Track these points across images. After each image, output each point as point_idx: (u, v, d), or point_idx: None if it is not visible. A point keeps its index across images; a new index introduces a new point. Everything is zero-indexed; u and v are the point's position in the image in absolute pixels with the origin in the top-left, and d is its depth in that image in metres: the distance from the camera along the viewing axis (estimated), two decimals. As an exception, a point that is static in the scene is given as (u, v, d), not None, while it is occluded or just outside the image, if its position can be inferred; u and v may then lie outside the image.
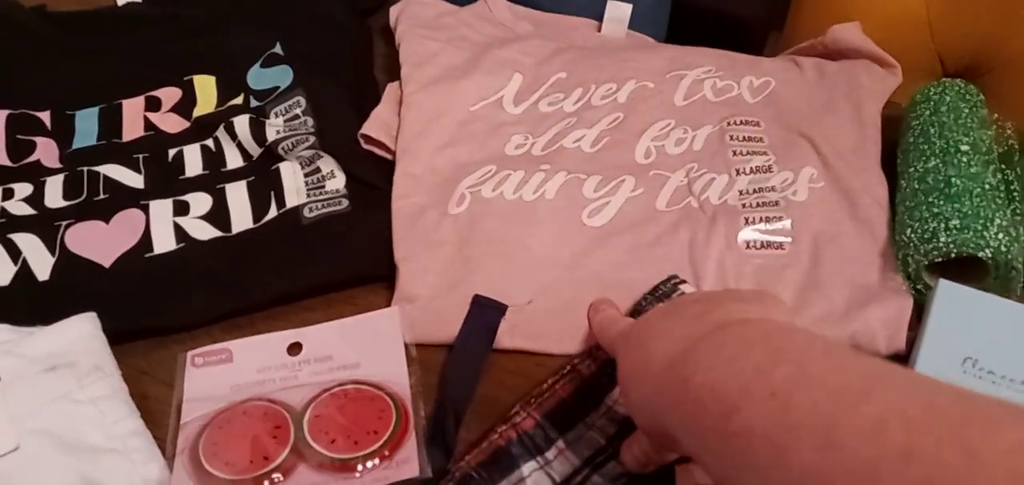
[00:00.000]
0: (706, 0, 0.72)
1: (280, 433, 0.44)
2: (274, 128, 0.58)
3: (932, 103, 0.55)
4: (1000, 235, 0.47)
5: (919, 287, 0.50)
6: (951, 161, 0.51)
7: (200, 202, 0.55)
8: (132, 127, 0.60)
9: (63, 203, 0.55)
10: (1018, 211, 0.51)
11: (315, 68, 0.62)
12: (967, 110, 0.54)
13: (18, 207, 0.55)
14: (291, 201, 0.55)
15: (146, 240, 0.53)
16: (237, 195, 0.56)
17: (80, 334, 0.46)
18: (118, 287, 0.51)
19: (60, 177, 0.57)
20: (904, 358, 0.48)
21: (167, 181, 0.57)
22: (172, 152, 0.59)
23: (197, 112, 0.61)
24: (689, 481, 0.41)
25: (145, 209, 0.55)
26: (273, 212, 0.55)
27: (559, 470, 0.43)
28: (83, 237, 0.53)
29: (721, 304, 0.36)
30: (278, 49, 0.63)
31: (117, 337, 0.47)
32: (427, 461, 0.43)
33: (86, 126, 0.60)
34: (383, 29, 0.68)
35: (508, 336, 0.49)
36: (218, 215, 0.55)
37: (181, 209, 0.55)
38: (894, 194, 0.55)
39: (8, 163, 0.57)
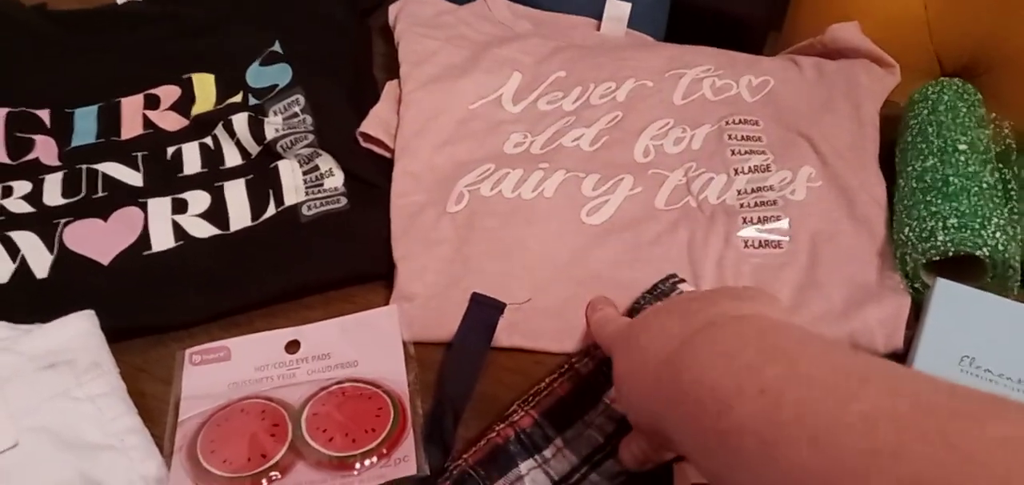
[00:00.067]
0: (705, -1, 0.72)
1: (278, 431, 0.44)
2: (273, 126, 0.58)
3: (930, 102, 0.55)
4: (998, 234, 0.47)
5: (917, 286, 0.50)
6: (949, 160, 0.51)
7: (199, 200, 0.55)
8: (131, 125, 0.60)
9: (62, 201, 0.55)
10: (1015, 210, 0.51)
11: (314, 67, 0.62)
12: (965, 109, 0.54)
13: (17, 205, 0.55)
14: (290, 199, 0.55)
15: (144, 238, 0.53)
16: (236, 193, 0.56)
17: (78, 331, 0.46)
18: (116, 285, 0.51)
19: (59, 175, 0.57)
20: (902, 357, 0.48)
21: (166, 179, 0.57)
22: (171, 150, 0.59)
23: (196, 110, 0.61)
24: (687, 479, 0.41)
25: (144, 207, 0.55)
26: (272, 210, 0.55)
27: (557, 468, 0.43)
28: (82, 235, 0.53)
29: (715, 301, 0.36)
30: (277, 47, 0.64)
31: (115, 335, 0.47)
32: (425, 459, 0.43)
33: (85, 124, 0.60)
34: (382, 28, 0.68)
35: (506, 334, 0.49)
36: (217, 213, 0.55)
37: (180, 207, 0.55)
38: (892, 193, 0.55)
39: (7, 161, 0.57)
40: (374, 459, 0.43)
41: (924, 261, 0.49)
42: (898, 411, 0.25)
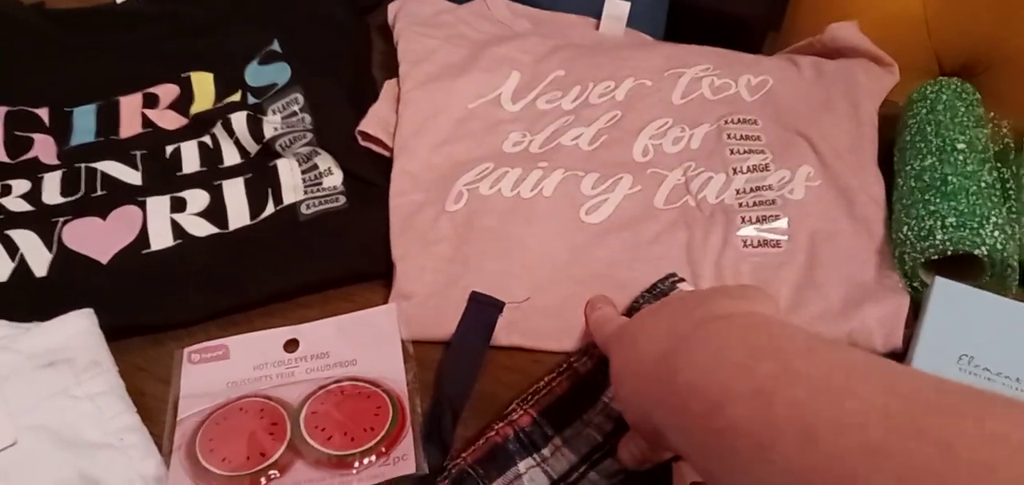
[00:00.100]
0: (704, -1, 0.72)
1: (277, 430, 0.44)
2: (272, 125, 0.58)
3: (929, 101, 0.55)
4: (996, 233, 0.47)
5: (915, 285, 0.50)
6: (947, 159, 0.51)
7: (197, 199, 0.55)
8: (130, 124, 0.60)
9: (61, 200, 0.55)
10: (1014, 209, 0.51)
11: (313, 66, 0.62)
12: (963, 108, 0.54)
13: (16, 204, 0.55)
14: (288, 198, 0.55)
15: (143, 237, 0.53)
16: (234, 192, 0.56)
17: (77, 330, 0.46)
18: (115, 283, 0.51)
19: (58, 174, 0.57)
20: (901, 356, 0.48)
21: (164, 178, 0.57)
22: (169, 149, 0.59)
23: (195, 109, 0.61)
24: (686, 479, 0.41)
25: (142, 206, 0.55)
26: (270, 209, 0.55)
27: (556, 467, 0.43)
28: (80, 234, 0.53)
29: (708, 300, 0.36)
30: (276, 46, 0.64)
31: (114, 333, 0.47)
32: (424, 458, 0.43)
33: (84, 123, 0.60)
34: (381, 26, 0.68)
35: (505, 333, 0.49)
36: (215, 212, 0.55)
37: (178, 206, 0.55)
38: (891, 192, 0.55)
39: (6, 159, 0.57)
40: (373, 458, 0.43)
41: (923, 260, 0.49)
42: (889, 409, 0.25)
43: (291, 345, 0.49)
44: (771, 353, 0.30)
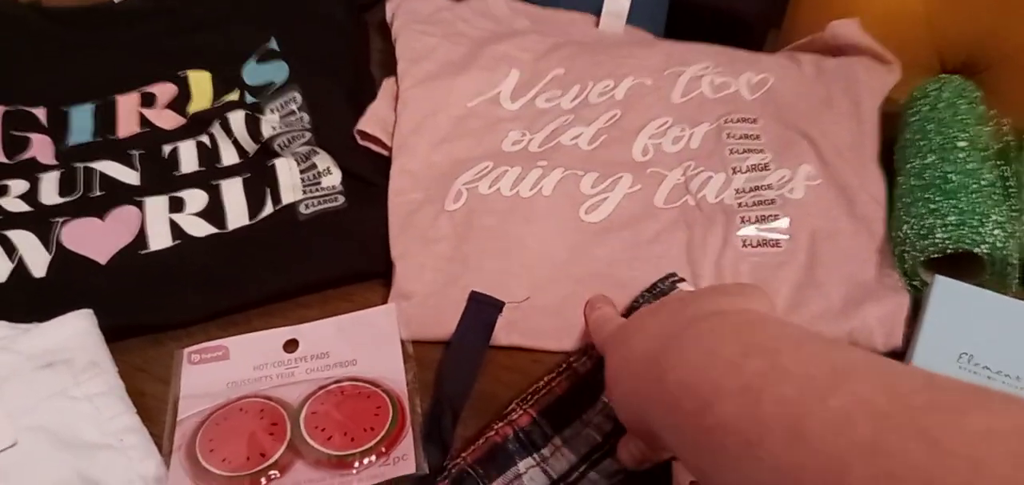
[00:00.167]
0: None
1: (276, 430, 0.44)
2: (270, 124, 0.58)
3: (930, 99, 0.55)
4: (996, 231, 0.47)
5: (916, 283, 0.50)
6: (948, 157, 0.51)
7: (195, 199, 0.55)
8: (127, 123, 0.60)
9: (58, 200, 0.55)
10: (1015, 207, 0.51)
11: (311, 64, 0.62)
12: (965, 106, 0.54)
13: (13, 204, 0.54)
14: (287, 198, 0.55)
15: (142, 237, 0.53)
16: (233, 192, 0.55)
17: (76, 331, 0.46)
18: (114, 284, 0.50)
19: (55, 174, 0.56)
20: (901, 354, 0.48)
21: (162, 177, 0.57)
22: (167, 148, 0.58)
23: (192, 108, 0.61)
24: (685, 478, 0.41)
25: (140, 206, 0.55)
26: (269, 209, 0.55)
27: (556, 467, 0.43)
28: (79, 234, 0.53)
29: (700, 298, 0.36)
30: (274, 45, 0.63)
31: (113, 334, 0.47)
32: (423, 458, 0.43)
33: (81, 122, 0.60)
34: (379, 24, 0.68)
35: (505, 333, 0.49)
36: (214, 212, 0.55)
37: (177, 206, 0.55)
38: (892, 190, 0.55)
39: (3, 160, 0.57)
40: (373, 458, 0.43)
41: (923, 259, 0.49)
42: (876, 405, 0.25)
43: (291, 345, 0.49)
44: (760, 350, 0.30)
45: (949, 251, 0.48)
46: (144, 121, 0.60)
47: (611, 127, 0.59)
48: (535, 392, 0.45)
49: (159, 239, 0.53)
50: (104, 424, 0.43)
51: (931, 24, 0.70)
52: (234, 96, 0.61)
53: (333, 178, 0.56)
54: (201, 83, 0.62)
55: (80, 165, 0.57)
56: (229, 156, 0.58)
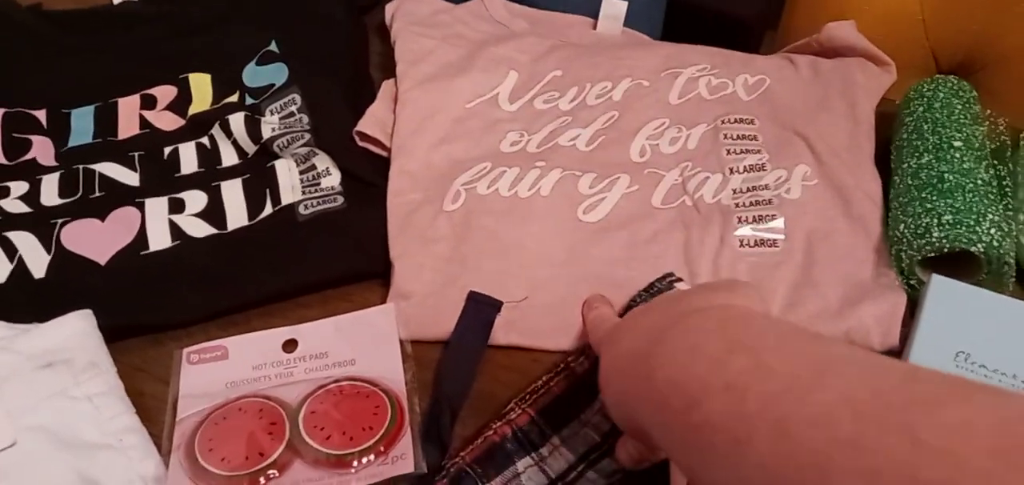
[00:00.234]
0: (702, -2, 0.72)
1: (276, 429, 0.44)
2: (269, 126, 0.58)
3: (925, 99, 0.55)
4: (992, 230, 0.47)
5: (912, 282, 0.50)
6: (944, 157, 0.51)
7: (195, 200, 0.55)
8: (128, 125, 0.60)
9: (59, 201, 0.55)
10: (1010, 206, 0.51)
11: (311, 66, 0.62)
12: (960, 106, 0.54)
13: (14, 205, 0.55)
14: (286, 198, 0.55)
15: (142, 237, 0.53)
16: (232, 192, 0.56)
17: (76, 331, 0.46)
18: (114, 284, 0.51)
19: (56, 175, 0.57)
20: (898, 353, 0.48)
21: (163, 179, 0.57)
22: (167, 150, 0.59)
23: (193, 110, 0.61)
24: (683, 478, 0.41)
25: (141, 207, 0.55)
26: (268, 209, 0.55)
27: (554, 466, 0.43)
28: (79, 235, 0.53)
29: (687, 296, 0.36)
30: (273, 47, 0.64)
31: (113, 334, 0.47)
32: (422, 457, 0.43)
33: (82, 124, 0.60)
34: (378, 27, 0.68)
35: (503, 332, 0.50)
36: (213, 212, 0.55)
37: (177, 207, 0.55)
38: (888, 190, 0.55)
39: (4, 161, 0.57)
40: (371, 457, 0.43)
41: (919, 258, 0.49)
42: (857, 400, 0.25)
43: (290, 345, 0.49)
44: (743, 347, 0.30)
45: (945, 250, 0.48)
46: (144, 123, 0.60)
47: (609, 128, 0.59)
48: (533, 392, 0.46)
49: (159, 240, 0.53)
50: (104, 424, 0.43)
51: (926, 25, 0.70)
52: (234, 98, 0.61)
53: (332, 179, 0.56)
54: (201, 85, 0.62)
55: (80, 167, 0.57)
56: (229, 157, 0.58)
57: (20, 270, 0.51)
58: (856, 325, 0.49)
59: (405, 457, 0.43)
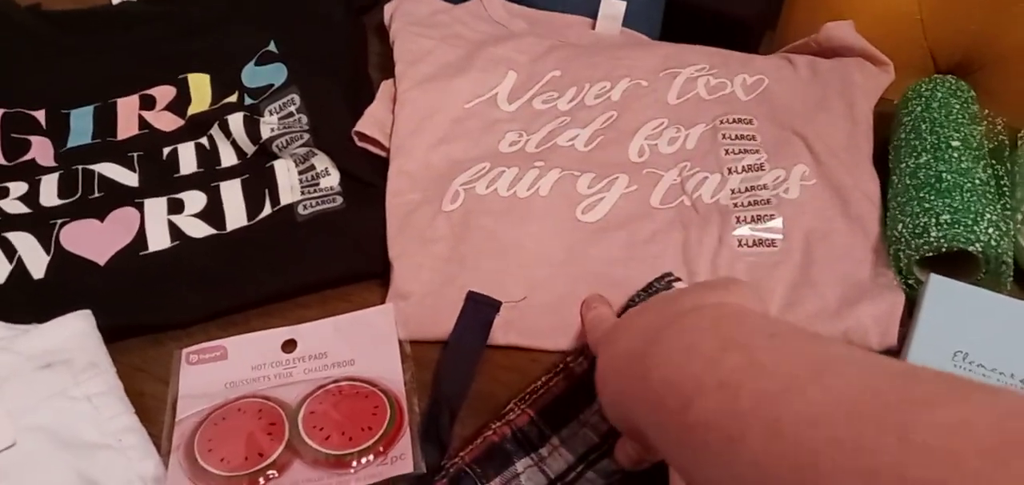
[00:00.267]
0: (700, -2, 0.72)
1: (275, 430, 0.44)
2: (268, 126, 0.58)
3: (923, 99, 0.56)
4: (990, 229, 0.47)
5: (911, 282, 0.51)
6: (942, 157, 0.51)
7: (195, 200, 0.55)
8: (127, 125, 0.60)
9: (58, 202, 0.55)
10: (1008, 206, 0.51)
11: (309, 66, 0.62)
12: (958, 106, 0.55)
13: (13, 206, 0.55)
14: (285, 199, 0.55)
15: (141, 238, 0.53)
16: (232, 193, 0.56)
17: (75, 331, 0.46)
18: (113, 285, 0.51)
19: (55, 176, 0.57)
20: (896, 353, 0.48)
21: (162, 179, 0.57)
22: (167, 150, 0.59)
23: (191, 110, 0.61)
24: (682, 478, 0.41)
25: (140, 207, 0.55)
26: (267, 210, 0.55)
27: (553, 467, 0.43)
28: (78, 235, 0.53)
29: (683, 295, 0.36)
30: (272, 47, 0.64)
31: (112, 334, 0.48)
32: (421, 457, 0.43)
33: (81, 125, 0.60)
34: (377, 27, 0.68)
35: (502, 332, 0.50)
36: (213, 213, 0.55)
37: (176, 207, 0.55)
38: (886, 190, 0.55)
39: (3, 162, 0.57)
40: (371, 457, 0.43)
41: (917, 257, 0.49)
42: (851, 400, 0.25)
43: (289, 345, 0.49)
44: (737, 345, 0.30)
45: (943, 250, 0.48)
46: (143, 123, 0.60)
47: (607, 128, 0.59)
48: (533, 392, 0.46)
49: (158, 240, 0.53)
50: (103, 424, 0.43)
51: (924, 25, 0.70)
52: (233, 98, 0.61)
53: (331, 179, 0.56)
54: (200, 86, 0.62)
55: (79, 167, 0.57)
56: (228, 158, 0.58)
57: (19, 271, 0.51)
58: (854, 325, 0.49)
59: (404, 457, 0.43)
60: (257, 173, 0.57)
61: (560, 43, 0.65)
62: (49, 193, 0.56)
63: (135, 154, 0.58)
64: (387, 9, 0.66)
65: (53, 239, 0.52)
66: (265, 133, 0.57)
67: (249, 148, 0.58)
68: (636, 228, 0.54)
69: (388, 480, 0.43)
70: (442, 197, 0.55)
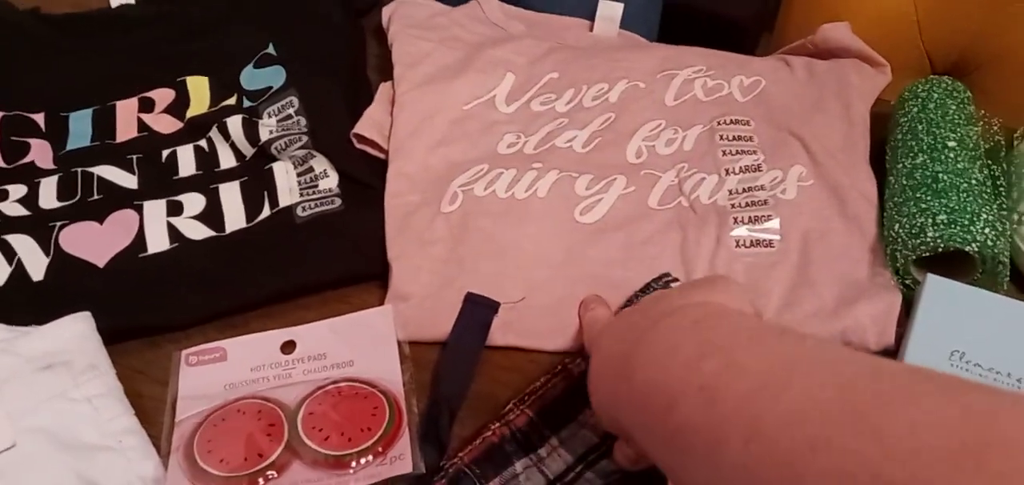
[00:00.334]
0: (698, 0, 0.73)
1: (274, 431, 0.44)
2: (267, 128, 0.58)
3: (920, 100, 0.56)
4: (987, 230, 0.48)
5: (908, 282, 0.51)
6: (938, 157, 0.51)
7: (194, 202, 0.55)
8: (126, 128, 0.60)
9: (57, 204, 0.55)
10: (1004, 206, 0.52)
11: (308, 68, 0.62)
12: (954, 107, 0.55)
13: (12, 208, 0.55)
14: (284, 201, 0.55)
15: (140, 240, 0.53)
16: (230, 195, 0.56)
17: (75, 333, 0.46)
18: (112, 287, 0.51)
19: (54, 178, 0.57)
20: (893, 353, 0.49)
21: (161, 181, 0.57)
22: (165, 153, 0.59)
23: (190, 113, 0.61)
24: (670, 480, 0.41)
25: (139, 209, 0.55)
26: (266, 211, 0.55)
27: (553, 467, 0.43)
28: (77, 237, 0.53)
29: (669, 296, 0.36)
30: (271, 49, 0.64)
31: (112, 336, 0.48)
32: (420, 458, 0.43)
33: (80, 127, 0.60)
34: (376, 29, 0.68)
35: (501, 333, 0.50)
36: (212, 215, 0.55)
37: (175, 209, 0.55)
38: (883, 191, 0.55)
39: (2, 164, 0.58)
40: (370, 458, 0.43)
41: (914, 257, 0.50)
42: (825, 401, 0.25)
43: (288, 347, 0.49)
44: (715, 347, 0.30)
45: (940, 250, 0.48)
46: (142, 126, 0.61)
47: (605, 130, 0.59)
48: (532, 392, 0.46)
49: (157, 242, 0.53)
50: (103, 425, 0.43)
51: (921, 27, 0.70)
52: (232, 100, 0.61)
53: (330, 181, 0.56)
54: (199, 88, 0.63)
55: (78, 170, 0.57)
56: (227, 160, 0.58)
57: (19, 273, 0.51)
58: (852, 325, 0.49)
59: (403, 458, 0.43)
60: (256, 175, 0.57)
61: (558, 45, 0.65)
62: (48, 195, 0.56)
63: (134, 156, 0.58)
64: (385, 11, 0.67)
65: (52, 241, 0.53)
66: (264, 135, 0.57)
67: (248, 150, 0.58)
68: (634, 229, 0.54)
69: (387, 480, 0.43)
70: (441, 199, 0.55)
